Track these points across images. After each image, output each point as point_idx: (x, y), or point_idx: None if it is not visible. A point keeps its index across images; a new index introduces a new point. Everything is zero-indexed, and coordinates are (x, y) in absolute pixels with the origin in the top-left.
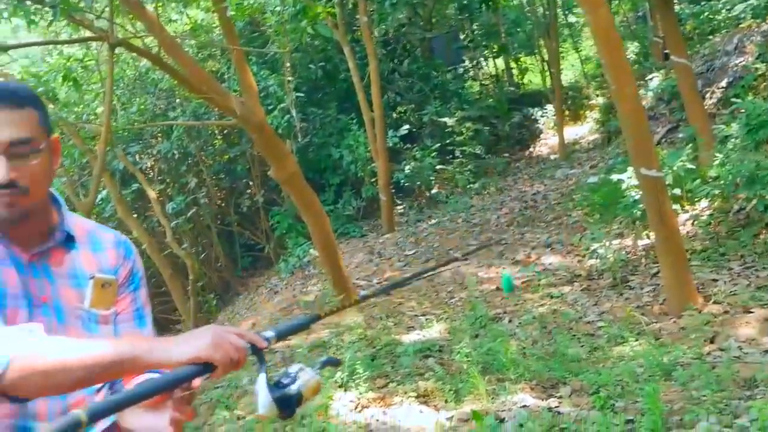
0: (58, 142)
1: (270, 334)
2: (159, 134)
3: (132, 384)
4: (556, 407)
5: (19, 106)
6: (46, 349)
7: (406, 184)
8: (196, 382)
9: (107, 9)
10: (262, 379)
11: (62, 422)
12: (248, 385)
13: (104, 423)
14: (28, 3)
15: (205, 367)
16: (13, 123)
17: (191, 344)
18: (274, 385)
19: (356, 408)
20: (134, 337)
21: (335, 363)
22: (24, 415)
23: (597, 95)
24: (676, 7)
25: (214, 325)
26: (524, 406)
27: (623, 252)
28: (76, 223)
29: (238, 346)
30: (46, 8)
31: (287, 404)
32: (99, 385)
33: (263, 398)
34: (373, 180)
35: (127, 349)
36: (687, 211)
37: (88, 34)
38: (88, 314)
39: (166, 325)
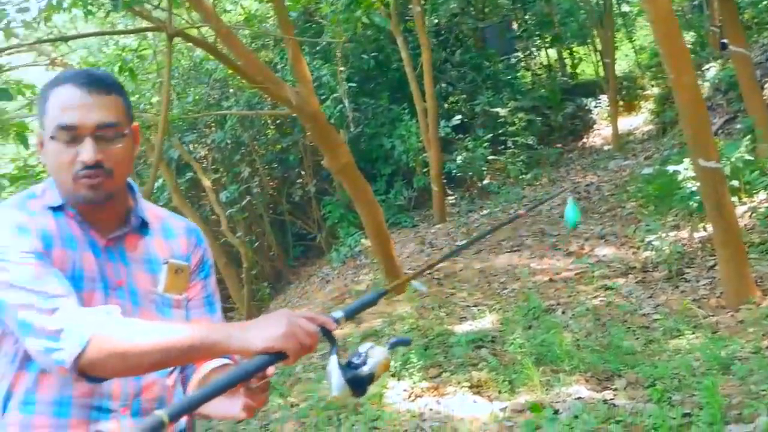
0: (138, 129)
1: (339, 314)
2: (213, 124)
3: (204, 368)
4: (611, 399)
5: (106, 92)
6: (124, 331)
7: (458, 175)
8: (270, 370)
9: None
10: (333, 360)
11: (146, 424)
12: (301, 373)
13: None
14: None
15: (278, 356)
16: (101, 107)
17: (266, 333)
18: (346, 366)
19: (410, 397)
20: (210, 323)
21: (405, 343)
22: (99, 395)
23: (652, 85)
24: None
25: (286, 310)
26: (579, 398)
27: (679, 244)
28: (150, 210)
29: (309, 332)
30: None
31: (359, 384)
32: (171, 368)
33: (336, 380)
34: (424, 170)
35: (204, 334)
36: (745, 203)
37: (144, 24)
38: (162, 298)
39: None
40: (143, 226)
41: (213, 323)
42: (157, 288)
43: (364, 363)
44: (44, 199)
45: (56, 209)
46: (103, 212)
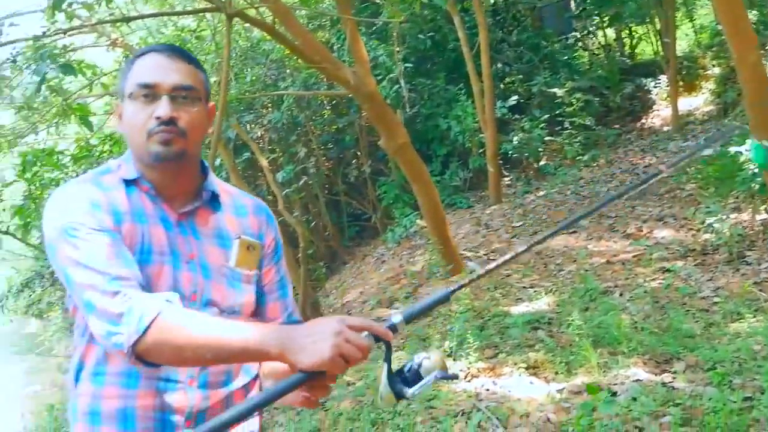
0: (214, 110)
1: (398, 318)
2: (270, 104)
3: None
4: (670, 382)
5: (186, 60)
6: (184, 322)
7: (514, 156)
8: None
9: None
10: (384, 369)
11: None
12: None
13: (244, 379)
14: None
15: (319, 374)
16: (180, 71)
17: (315, 353)
18: (396, 374)
19: (466, 377)
20: (268, 327)
21: (452, 377)
22: (167, 372)
23: (713, 65)
24: None
25: (339, 319)
26: (637, 381)
27: (740, 226)
28: (220, 186)
29: (361, 346)
30: None
31: (404, 395)
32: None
33: (382, 389)
34: (480, 151)
35: (259, 339)
36: None
37: (204, 4)
38: (233, 273)
39: None
40: (214, 202)
41: (271, 327)
42: (229, 262)
43: (414, 377)
44: (119, 173)
45: (130, 183)
46: (176, 185)
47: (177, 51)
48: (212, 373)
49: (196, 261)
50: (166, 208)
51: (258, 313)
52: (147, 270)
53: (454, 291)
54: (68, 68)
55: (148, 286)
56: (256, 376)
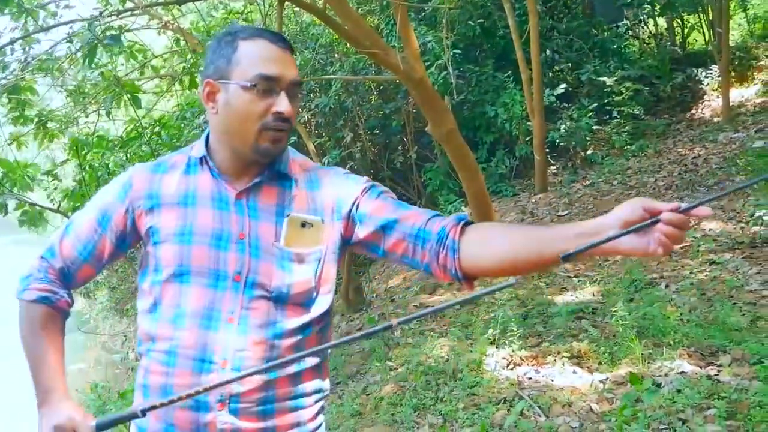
0: None
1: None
2: (317, 89)
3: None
4: (715, 375)
5: (293, 52)
6: (23, 325)
7: (561, 144)
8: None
9: None
10: None
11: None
12: (400, 337)
13: (290, 369)
14: None
15: None
16: (293, 65)
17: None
18: None
19: (508, 365)
20: (54, 379)
21: None
22: (203, 348)
23: (766, 56)
24: None
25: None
26: (682, 373)
27: None
28: (300, 163)
29: None
30: None
31: None
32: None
33: None
34: (527, 139)
35: (39, 383)
36: None
37: None
38: (281, 252)
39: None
40: (283, 178)
41: (53, 372)
42: (279, 241)
43: None
44: (191, 153)
45: (196, 162)
46: (245, 166)
47: (287, 42)
48: (248, 358)
49: (246, 240)
50: (226, 185)
51: (396, 235)
52: (187, 250)
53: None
54: (116, 39)
55: (188, 266)
56: (316, 367)
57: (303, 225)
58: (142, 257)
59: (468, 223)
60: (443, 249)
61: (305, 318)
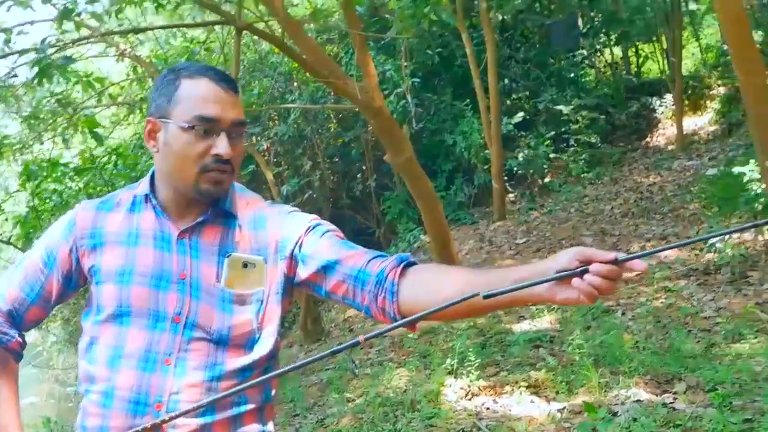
0: None
1: None
2: (276, 117)
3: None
4: (671, 403)
5: (236, 91)
6: None
7: (519, 172)
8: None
9: None
10: None
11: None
12: (358, 368)
13: (227, 413)
14: None
15: None
16: (235, 105)
17: None
18: None
19: (467, 395)
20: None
21: None
22: (138, 390)
23: (718, 85)
24: None
25: None
26: (638, 401)
27: (743, 246)
28: (247, 201)
29: None
30: None
31: None
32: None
33: None
34: (485, 167)
35: None
36: None
37: (213, 17)
38: (222, 293)
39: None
40: (228, 217)
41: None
42: (219, 282)
43: None
44: (136, 190)
45: (141, 199)
46: (188, 204)
47: (230, 81)
48: (184, 401)
49: (187, 281)
50: (169, 224)
51: (337, 275)
52: (126, 291)
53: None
54: (69, 60)
55: (127, 307)
56: (258, 410)
57: (245, 265)
58: (88, 296)
59: (410, 264)
60: (382, 291)
61: (246, 360)
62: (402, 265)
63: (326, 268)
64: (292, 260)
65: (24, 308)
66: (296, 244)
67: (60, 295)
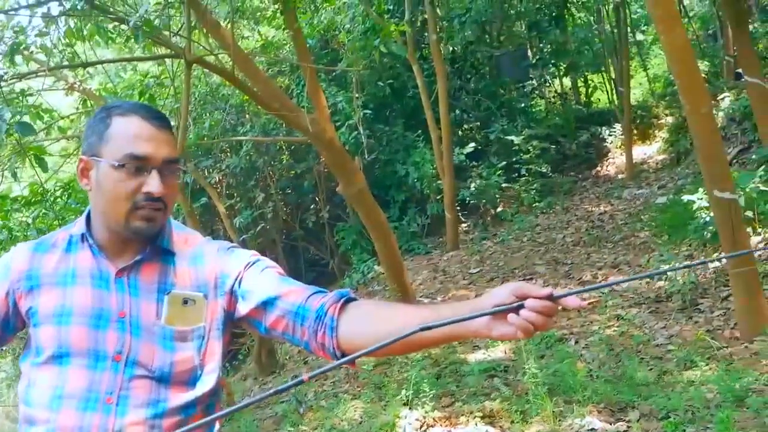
0: None
1: None
2: (228, 149)
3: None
4: (624, 431)
5: (169, 129)
6: None
7: (472, 202)
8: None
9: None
10: None
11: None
12: (313, 401)
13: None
14: (108, 26)
15: None
16: (167, 143)
17: None
18: None
19: (422, 427)
20: None
21: None
22: (79, 428)
23: (666, 114)
24: (750, 27)
25: None
26: (592, 430)
27: (693, 274)
28: (185, 237)
29: None
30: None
31: None
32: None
33: None
34: (438, 197)
35: None
36: (759, 234)
37: (163, 50)
38: (163, 330)
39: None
40: (166, 254)
41: None
42: (160, 319)
43: None
44: (72, 230)
45: (77, 239)
46: (125, 242)
47: (161, 118)
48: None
49: (127, 319)
50: (107, 263)
51: (276, 311)
52: (65, 332)
53: None
54: (27, 127)
55: (67, 348)
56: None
57: (185, 302)
58: (27, 339)
59: (349, 300)
60: (321, 327)
61: (189, 396)
62: (342, 301)
63: (266, 304)
64: (232, 296)
65: None
66: (236, 279)
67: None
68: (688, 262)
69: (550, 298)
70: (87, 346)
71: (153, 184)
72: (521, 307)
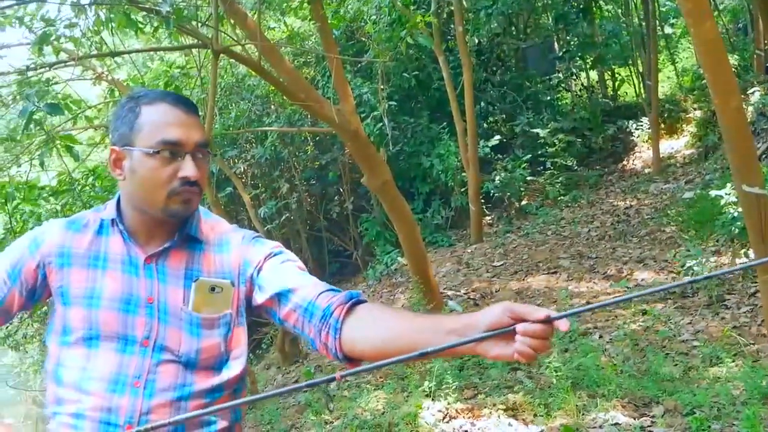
0: None
1: None
2: (253, 140)
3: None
4: (648, 427)
5: (197, 114)
6: None
7: (496, 195)
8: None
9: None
10: None
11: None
12: (335, 391)
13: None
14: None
15: None
16: (197, 127)
17: None
18: None
19: (444, 418)
20: None
21: None
22: (108, 410)
23: (694, 108)
24: None
25: None
26: (616, 424)
27: (719, 270)
28: (212, 225)
29: None
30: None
31: None
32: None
33: None
34: (462, 190)
35: None
36: None
37: (190, 40)
38: (190, 317)
39: (254, 328)
40: (194, 241)
41: None
42: (187, 306)
43: None
44: (103, 213)
45: (107, 223)
46: (155, 228)
47: (189, 104)
48: (154, 421)
49: (155, 305)
50: (136, 249)
51: (288, 305)
52: (95, 315)
53: None
54: (55, 108)
55: (96, 331)
56: (226, 430)
57: (212, 289)
58: (50, 314)
59: (358, 302)
60: (326, 327)
61: (216, 381)
62: (349, 303)
63: (280, 296)
64: (251, 284)
65: None
66: (255, 268)
67: (20, 308)
68: (708, 273)
69: (546, 321)
70: (116, 330)
71: (188, 168)
72: (512, 331)
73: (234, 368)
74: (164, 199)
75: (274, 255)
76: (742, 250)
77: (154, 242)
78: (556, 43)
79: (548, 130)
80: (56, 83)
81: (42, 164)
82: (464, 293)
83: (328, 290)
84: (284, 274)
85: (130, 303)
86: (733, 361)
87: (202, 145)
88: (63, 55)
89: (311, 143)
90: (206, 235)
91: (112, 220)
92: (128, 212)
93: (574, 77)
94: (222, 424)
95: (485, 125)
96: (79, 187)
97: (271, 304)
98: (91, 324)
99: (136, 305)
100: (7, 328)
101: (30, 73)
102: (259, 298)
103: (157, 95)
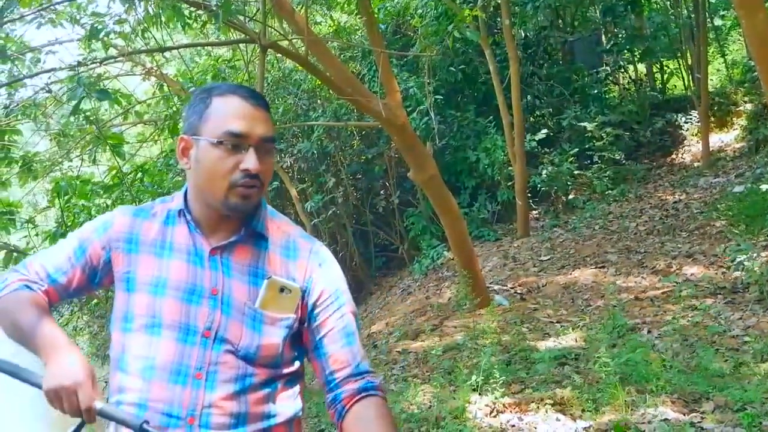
0: None
1: (99, 405)
2: (300, 134)
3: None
4: (698, 422)
5: (266, 109)
6: (14, 303)
7: (543, 189)
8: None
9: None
10: None
11: None
12: (385, 384)
13: (258, 425)
14: (186, 10)
15: None
16: (265, 121)
17: (48, 379)
18: None
19: (491, 413)
20: (56, 337)
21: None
22: (170, 402)
23: (745, 101)
24: None
25: (76, 371)
26: (665, 420)
27: None
28: (276, 223)
29: (70, 405)
30: (201, 12)
31: None
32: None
33: None
34: (509, 184)
35: (39, 333)
36: None
37: (238, 35)
38: (255, 313)
39: None
40: (259, 238)
41: (56, 339)
42: (254, 302)
43: None
44: (170, 204)
45: (175, 213)
46: (219, 222)
47: (259, 98)
48: (216, 414)
49: (219, 297)
50: (202, 240)
51: (319, 361)
52: (159, 303)
53: None
54: (104, 94)
55: (160, 319)
56: (288, 422)
57: (282, 290)
58: (114, 301)
59: (368, 395)
60: (333, 407)
61: (273, 374)
62: (358, 396)
63: (316, 348)
64: (306, 311)
65: (40, 287)
66: (314, 303)
67: (78, 287)
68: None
69: None
70: (179, 320)
71: (250, 161)
72: None
73: (290, 367)
74: (225, 190)
75: (335, 299)
76: None
77: (220, 235)
78: (603, 36)
79: (595, 123)
80: (106, 79)
81: (94, 160)
82: (511, 287)
83: (350, 374)
84: (329, 331)
85: (194, 293)
86: None
87: (268, 140)
88: (112, 52)
89: (357, 137)
90: (272, 234)
91: (180, 210)
92: (194, 204)
93: (622, 70)
94: (282, 418)
95: (532, 119)
96: (129, 182)
97: (307, 343)
98: (154, 311)
99: (200, 296)
100: (58, 320)
101: (80, 69)
102: (303, 330)
103: (230, 88)
